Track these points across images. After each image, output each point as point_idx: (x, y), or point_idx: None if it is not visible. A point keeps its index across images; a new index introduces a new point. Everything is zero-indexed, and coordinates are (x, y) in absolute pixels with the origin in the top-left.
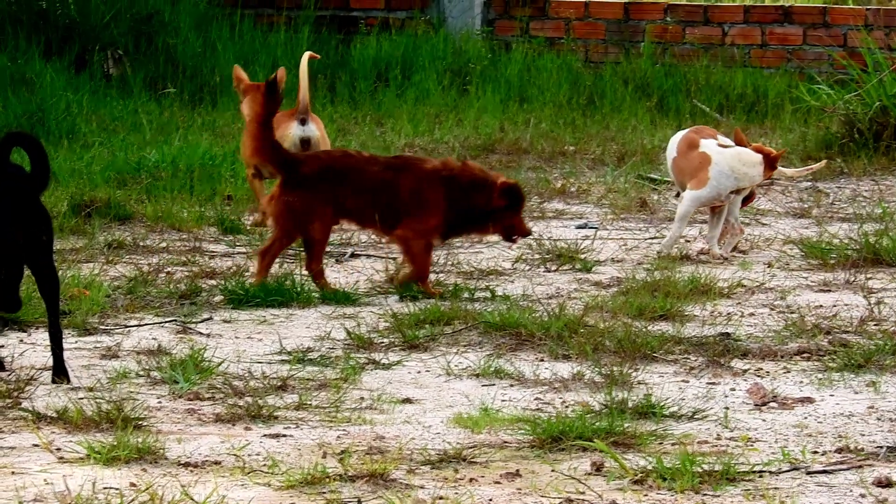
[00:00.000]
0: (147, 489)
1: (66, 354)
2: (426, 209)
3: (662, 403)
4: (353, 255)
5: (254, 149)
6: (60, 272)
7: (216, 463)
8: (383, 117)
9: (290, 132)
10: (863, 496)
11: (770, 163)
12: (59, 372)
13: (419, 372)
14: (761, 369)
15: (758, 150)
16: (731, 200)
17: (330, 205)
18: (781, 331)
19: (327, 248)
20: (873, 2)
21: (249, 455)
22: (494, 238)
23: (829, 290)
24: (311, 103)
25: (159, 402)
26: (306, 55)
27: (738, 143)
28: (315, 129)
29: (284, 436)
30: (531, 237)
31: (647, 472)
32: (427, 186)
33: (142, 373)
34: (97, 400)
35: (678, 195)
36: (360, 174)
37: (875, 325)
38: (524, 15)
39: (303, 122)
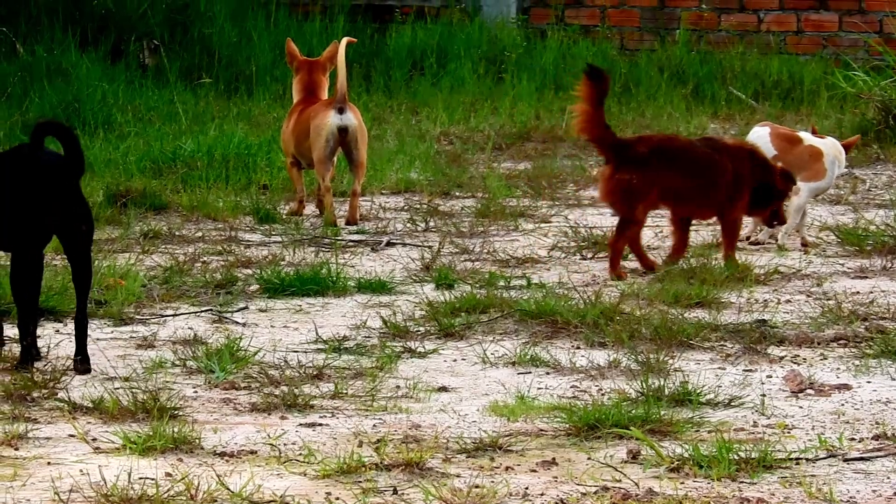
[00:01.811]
0: (183, 479)
1: (102, 345)
2: (744, 186)
3: (699, 391)
4: (389, 244)
5: (585, 128)
6: (96, 262)
7: (252, 452)
8: (419, 106)
9: (327, 121)
10: None
11: (847, 149)
12: (80, 355)
13: (455, 360)
14: (798, 356)
15: None
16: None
17: (656, 187)
18: (818, 317)
19: (364, 238)
20: None
21: (285, 444)
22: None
23: (866, 277)
24: (347, 92)
25: (195, 392)
26: (344, 41)
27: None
28: (353, 118)
29: (320, 425)
30: (568, 224)
31: (683, 459)
32: (743, 164)
33: (177, 362)
34: (133, 390)
35: None
36: (692, 155)
37: None
38: (559, 3)
39: (340, 110)
